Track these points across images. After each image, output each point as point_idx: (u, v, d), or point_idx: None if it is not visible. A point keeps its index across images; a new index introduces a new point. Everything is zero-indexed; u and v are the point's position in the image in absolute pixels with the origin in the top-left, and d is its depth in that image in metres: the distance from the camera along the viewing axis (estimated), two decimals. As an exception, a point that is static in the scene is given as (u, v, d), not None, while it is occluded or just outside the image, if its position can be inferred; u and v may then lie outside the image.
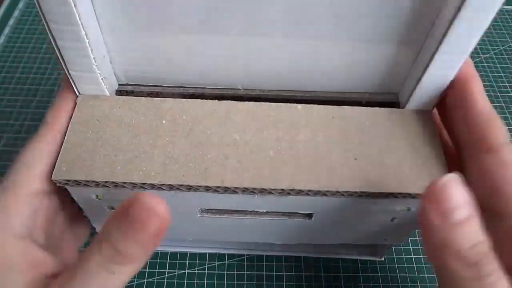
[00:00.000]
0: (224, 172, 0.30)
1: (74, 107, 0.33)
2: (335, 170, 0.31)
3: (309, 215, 0.34)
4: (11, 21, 0.66)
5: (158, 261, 0.44)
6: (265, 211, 0.34)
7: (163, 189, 0.31)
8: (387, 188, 0.30)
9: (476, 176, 0.30)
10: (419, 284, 0.44)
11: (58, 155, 0.31)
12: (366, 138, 0.33)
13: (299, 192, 0.31)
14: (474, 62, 0.63)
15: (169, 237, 0.41)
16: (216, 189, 0.30)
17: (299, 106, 0.34)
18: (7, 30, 0.64)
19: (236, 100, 0.34)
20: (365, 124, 0.33)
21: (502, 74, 0.62)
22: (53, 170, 0.31)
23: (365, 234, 0.38)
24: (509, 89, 0.60)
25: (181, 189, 0.31)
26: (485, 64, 0.63)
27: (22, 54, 0.61)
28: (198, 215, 0.35)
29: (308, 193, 0.31)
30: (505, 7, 0.70)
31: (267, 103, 0.34)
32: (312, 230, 0.37)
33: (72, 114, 0.33)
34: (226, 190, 0.31)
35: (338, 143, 0.32)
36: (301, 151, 0.32)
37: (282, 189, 0.30)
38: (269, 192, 0.31)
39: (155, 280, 0.43)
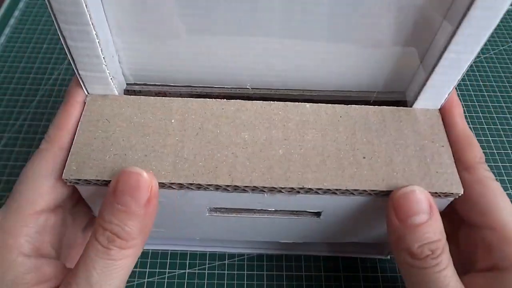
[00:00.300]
0: (233, 171, 0.31)
1: (76, 122, 0.33)
2: (344, 169, 0.31)
3: (318, 214, 0.35)
4: (12, 21, 0.65)
5: (159, 261, 0.44)
6: (274, 209, 0.34)
7: (173, 188, 0.31)
8: (395, 186, 0.30)
9: None
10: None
11: (62, 170, 0.31)
12: (374, 136, 0.33)
13: (308, 191, 0.31)
14: (474, 62, 0.63)
15: (177, 236, 0.41)
16: (225, 188, 0.31)
17: (307, 105, 0.34)
18: (7, 30, 0.64)
19: (244, 100, 0.35)
20: (372, 123, 0.34)
21: (502, 74, 0.62)
22: (57, 186, 0.31)
23: (372, 232, 0.38)
24: (509, 89, 0.60)
25: (191, 188, 0.31)
26: (485, 64, 0.63)
27: (22, 54, 0.61)
28: (207, 214, 0.35)
29: (317, 191, 0.31)
30: (505, 7, 0.71)
31: (276, 102, 0.34)
32: (320, 229, 0.37)
33: (73, 130, 0.33)
34: (235, 189, 0.31)
35: (346, 141, 0.32)
36: (310, 150, 0.32)
37: (292, 188, 0.30)
38: (279, 190, 0.31)
39: (156, 280, 0.43)
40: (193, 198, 0.32)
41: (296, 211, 0.35)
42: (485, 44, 0.31)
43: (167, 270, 0.44)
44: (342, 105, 0.34)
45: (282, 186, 0.30)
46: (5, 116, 0.54)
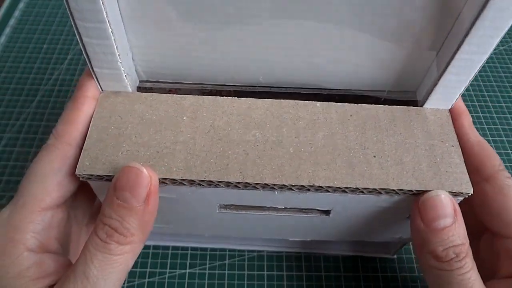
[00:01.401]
0: (245, 168, 0.31)
1: (85, 118, 0.33)
2: (354, 167, 0.31)
3: (327, 212, 0.35)
4: (12, 21, 0.65)
5: (159, 260, 0.45)
6: (283, 207, 0.34)
7: (184, 184, 0.31)
8: (405, 186, 0.31)
9: (478, 202, 0.34)
10: (419, 284, 0.44)
11: (70, 166, 0.31)
12: (384, 135, 0.33)
13: (319, 189, 0.31)
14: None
15: (185, 232, 0.41)
16: (236, 185, 0.31)
17: (318, 103, 0.34)
18: (7, 30, 0.64)
19: (255, 97, 0.35)
20: (383, 122, 0.34)
21: (502, 74, 0.62)
22: (64, 182, 0.31)
23: (380, 231, 0.39)
24: (509, 89, 0.60)
25: (202, 185, 0.31)
26: (485, 64, 0.63)
27: (23, 54, 0.61)
28: (217, 211, 0.35)
29: (327, 189, 0.31)
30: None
31: (286, 100, 0.35)
32: (329, 227, 0.37)
33: (82, 126, 0.33)
34: (246, 186, 0.31)
35: (356, 140, 0.33)
36: (320, 148, 0.32)
37: (302, 186, 0.31)
38: (289, 188, 0.31)
39: (156, 280, 0.43)
40: (204, 194, 0.32)
41: (306, 209, 0.35)
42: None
43: (167, 270, 0.44)
44: (353, 104, 0.35)
45: (293, 184, 0.30)
46: (5, 116, 0.54)
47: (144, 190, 0.29)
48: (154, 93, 0.35)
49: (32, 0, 0.69)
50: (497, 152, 0.53)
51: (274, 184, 0.31)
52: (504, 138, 0.55)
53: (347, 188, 0.31)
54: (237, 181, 0.30)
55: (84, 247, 0.29)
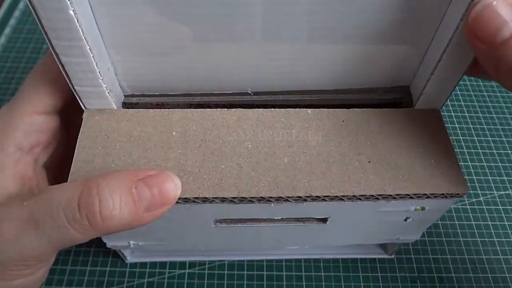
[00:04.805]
0: (239, 182, 0.30)
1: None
2: (350, 174, 0.31)
3: (324, 220, 0.35)
4: (12, 21, 0.65)
5: (159, 260, 0.44)
6: (280, 218, 0.34)
7: (179, 202, 0.30)
8: (402, 190, 0.30)
9: None
10: (419, 284, 0.44)
11: (59, 78, 0.31)
12: (377, 140, 0.33)
13: (316, 199, 0.30)
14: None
15: (180, 248, 0.41)
16: (232, 200, 0.30)
17: (309, 110, 0.34)
18: (7, 30, 0.64)
19: (244, 107, 0.34)
20: (375, 126, 0.33)
21: (502, 74, 0.62)
22: (59, 90, 0.32)
23: (377, 234, 0.39)
24: (509, 89, 0.60)
25: (197, 202, 0.30)
26: (485, 64, 0.63)
27: (23, 55, 0.61)
28: (212, 226, 0.34)
29: (324, 198, 0.31)
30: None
31: (277, 109, 0.34)
32: (327, 234, 0.37)
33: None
34: (242, 200, 0.30)
35: (350, 146, 0.32)
36: (314, 157, 0.32)
37: (299, 197, 0.30)
38: (286, 200, 0.30)
39: (156, 280, 0.43)
40: (199, 211, 0.32)
41: (302, 218, 0.35)
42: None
43: (167, 270, 0.44)
44: (344, 109, 0.34)
45: (289, 195, 0.30)
46: (5, 116, 0.54)
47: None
48: (140, 109, 0.34)
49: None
50: (497, 152, 0.53)
51: (271, 197, 0.30)
52: (504, 138, 0.55)
53: (344, 196, 0.30)
54: (233, 196, 0.30)
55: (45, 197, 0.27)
